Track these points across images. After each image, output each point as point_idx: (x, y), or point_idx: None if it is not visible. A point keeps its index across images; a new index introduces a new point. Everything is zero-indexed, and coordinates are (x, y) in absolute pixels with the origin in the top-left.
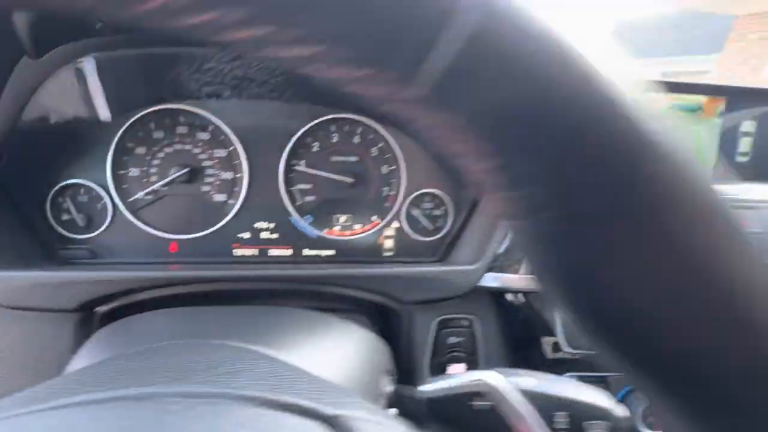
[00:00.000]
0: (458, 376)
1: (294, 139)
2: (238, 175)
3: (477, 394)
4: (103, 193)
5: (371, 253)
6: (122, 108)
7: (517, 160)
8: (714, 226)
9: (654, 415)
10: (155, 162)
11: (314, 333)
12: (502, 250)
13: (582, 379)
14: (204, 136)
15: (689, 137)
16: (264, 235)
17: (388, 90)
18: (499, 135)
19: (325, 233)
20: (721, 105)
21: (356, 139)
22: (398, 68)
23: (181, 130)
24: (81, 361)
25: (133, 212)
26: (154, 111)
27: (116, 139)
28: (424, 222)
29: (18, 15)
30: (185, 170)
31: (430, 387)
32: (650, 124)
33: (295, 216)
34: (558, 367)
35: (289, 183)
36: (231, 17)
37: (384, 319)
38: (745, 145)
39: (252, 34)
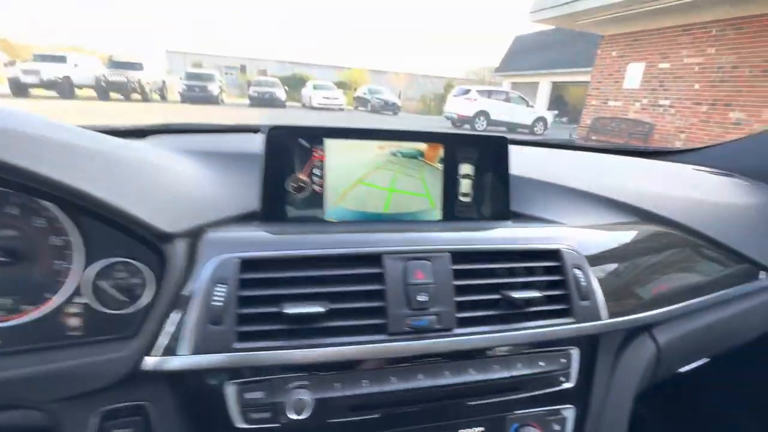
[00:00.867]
0: None
1: None
2: None
3: None
4: None
5: (51, 336)
6: None
7: None
8: None
9: None
10: None
11: None
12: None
13: None
14: None
15: (417, 183)
16: None
17: None
18: None
19: None
20: (440, 150)
21: (13, 211)
22: None
23: None
24: None
25: None
26: None
27: None
28: (116, 294)
29: None
30: None
31: None
32: None
33: None
34: None
35: None
36: None
37: None
38: (466, 186)
39: None
